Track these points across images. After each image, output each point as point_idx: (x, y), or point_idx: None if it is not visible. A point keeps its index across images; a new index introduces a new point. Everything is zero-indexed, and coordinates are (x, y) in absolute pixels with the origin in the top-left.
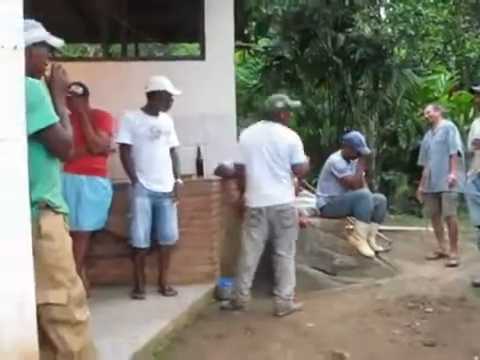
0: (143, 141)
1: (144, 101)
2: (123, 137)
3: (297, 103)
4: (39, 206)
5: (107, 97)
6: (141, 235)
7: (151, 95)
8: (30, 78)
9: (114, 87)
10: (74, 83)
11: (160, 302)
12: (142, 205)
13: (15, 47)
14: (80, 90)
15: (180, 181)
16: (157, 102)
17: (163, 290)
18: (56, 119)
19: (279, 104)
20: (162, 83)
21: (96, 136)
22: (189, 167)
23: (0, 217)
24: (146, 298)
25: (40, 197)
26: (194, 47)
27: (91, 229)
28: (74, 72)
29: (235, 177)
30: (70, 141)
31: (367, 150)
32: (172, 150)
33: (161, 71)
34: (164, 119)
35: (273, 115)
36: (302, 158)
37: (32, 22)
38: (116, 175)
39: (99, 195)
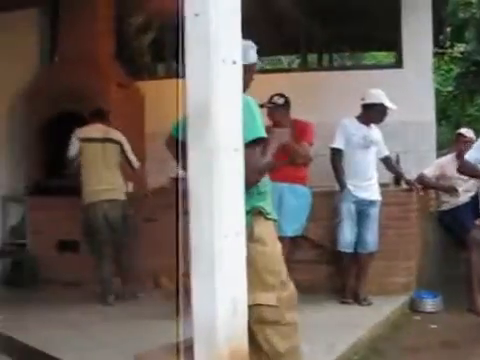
0: (355, 149)
1: (339, 110)
2: (338, 142)
3: None
4: (253, 212)
5: (306, 107)
6: (347, 239)
7: (368, 107)
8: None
9: (312, 97)
10: (276, 94)
11: (355, 311)
12: (348, 211)
13: (234, 62)
14: (281, 101)
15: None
16: (373, 114)
17: (358, 299)
18: (258, 136)
19: None
20: (379, 96)
21: (298, 147)
22: (387, 176)
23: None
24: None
25: (254, 205)
26: (381, 55)
27: (292, 235)
28: (273, 83)
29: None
30: (258, 169)
31: None
32: (386, 159)
33: (358, 80)
34: (374, 129)
35: None
36: None
37: (251, 43)
38: (315, 183)
39: (299, 202)
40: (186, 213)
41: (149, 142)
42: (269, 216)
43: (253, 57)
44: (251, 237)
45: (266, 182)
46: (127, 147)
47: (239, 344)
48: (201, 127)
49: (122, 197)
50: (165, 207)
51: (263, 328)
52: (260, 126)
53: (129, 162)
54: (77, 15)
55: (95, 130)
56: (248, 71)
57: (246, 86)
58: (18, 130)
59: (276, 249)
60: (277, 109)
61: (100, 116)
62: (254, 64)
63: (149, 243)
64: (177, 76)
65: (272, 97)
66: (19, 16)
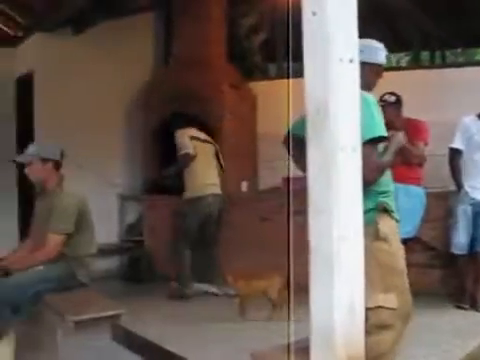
0: (476, 149)
1: (452, 108)
2: (458, 142)
3: None
4: (377, 209)
5: (419, 106)
6: (462, 241)
7: None
8: (364, 92)
9: (424, 95)
10: (387, 93)
11: (472, 317)
12: (464, 212)
13: (351, 61)
14: (392, 99)
15: None
16: None
17: (476, 305)
18: (376, 135)
19: None
20: None
21: (412, 147)
22: None
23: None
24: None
25: (378, 201)
26: None
27: (405, 236)
28: (384, 82)
29: None
30: (377, 168)
31: None
32: None
33: (471, 76)
34: None
35: None
36: None
37: (380, 44)
38: (430, 184)
39: (413, 203)
40: (299, 213)
41: (261, 142)
42: (394, 214)
43: (382, 58)
44: (376, 235)
45: (387, 181)
46: (219, 151)
47: (357, 348)
48: (320, 126)
49: (220, 193)
50: (279, 207)
51: (379, 331)
52: (379, 124)
53: (220, 165)
54: (190, 18)
55: (196, 131)
56: (375, 71)
57: (372, 86)
58: (135, 131)
59: (400, 249)
60: (388, 107)
61: (193, 121)
62: (381, 65)
63: (264, 242)
64: (288, 76)
65: (383, 96)
66: (135, 21)
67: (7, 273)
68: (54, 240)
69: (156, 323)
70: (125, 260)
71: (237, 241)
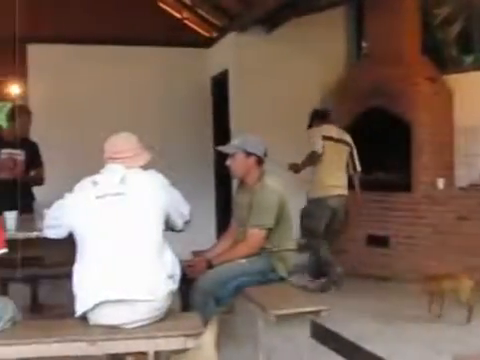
0: None
1: None
2: None
3: None
4: None
5: None
6: None
7: None
8: None
9: None
10: None
11: None
12: None
13: None
14: None
15: None
16: None
17: None
18: None
19: None
20: None
21: None
22: None
23: None
24: None
25: None
26: None
27: None
28: None
29: None
30: None
31: None
32: None
33: None
34: None
35: None
36: None
37: None
38: None
39: None
40: None
41: (458, 137)
42: None
43: None
44: None
45: None
46: (355, 151)
47: None
48: None
49: (346, 193)
50: (478, 205)
51: None
52: None
53: (354, 164)
54: (382, 10)
55: (332, 130)
56: None
57: None
58: None
59: None
60: None
61: (328, 117)
62: None
63: (460, 242)
64: None
65: None
66: (326, 16)
67: (210, 266)
68: (256, 235)
69: (350, 320)
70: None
71: (433, 240)
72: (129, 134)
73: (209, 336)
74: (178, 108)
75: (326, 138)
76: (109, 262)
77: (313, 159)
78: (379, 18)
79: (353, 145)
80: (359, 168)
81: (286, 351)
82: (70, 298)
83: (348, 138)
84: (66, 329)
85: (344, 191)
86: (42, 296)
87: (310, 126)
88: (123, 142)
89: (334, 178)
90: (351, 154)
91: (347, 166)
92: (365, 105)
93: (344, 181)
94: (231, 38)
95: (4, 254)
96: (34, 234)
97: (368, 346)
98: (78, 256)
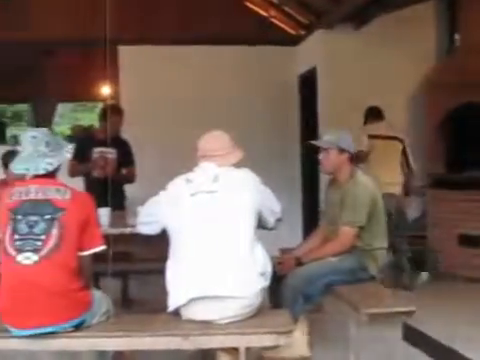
0: None
1: None
2: None
3: None
4: None
5: None
6: None
7: None
8: None
9: None
10: None
11: None
12: None
13: None
14: None
15: None
16: None
17: None
18: None
19: None
20: None
21: None
22: None
23: None
24: None
25: None
26: None
27: None
28: None
29: None
30: None
31: None
32: None
33: None
34: None
35: None
36: None
37: None
38: None
39: None
40: None
41: None
42: None
43: None
44: None
45: None
46: (409, 149)
47: None
48: None
49: (398, 192)
50: None
51: None
52: None
53: (407, 162)
54: (477, 1)
55: (380, 128)
56: None
57: None
58: (418, 124)
59: None
60: None
61: (380, 115)
62: None
63: None
64: None
65: None
66: (415, 11)
67: (299, 263)
68: (347, 232)
69: (443, 323)
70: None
71: None
72: (222, 132)
73: (300, 334)
74: (265, 106)
75: (373, 137)
76: (202, 258)
77: (359, 158)
78: (473, 9)
79: (406, 142)
80: (413, 166)
81: (376, 352)
82: (160, 293)
83: (401, 135)
84: (159, 323)
85: (395, 190)
86: (131, 291)
87: (365, 123)
88: (216, 140)
89: (382, 177)
90: (404, 151)
91: (402, 165)
92: (458, 100)
93: (395, 179)
94: (319, 35)
95: (102, 250)
96: (127, 230)
97: (462, 350)
98: (171, 252)
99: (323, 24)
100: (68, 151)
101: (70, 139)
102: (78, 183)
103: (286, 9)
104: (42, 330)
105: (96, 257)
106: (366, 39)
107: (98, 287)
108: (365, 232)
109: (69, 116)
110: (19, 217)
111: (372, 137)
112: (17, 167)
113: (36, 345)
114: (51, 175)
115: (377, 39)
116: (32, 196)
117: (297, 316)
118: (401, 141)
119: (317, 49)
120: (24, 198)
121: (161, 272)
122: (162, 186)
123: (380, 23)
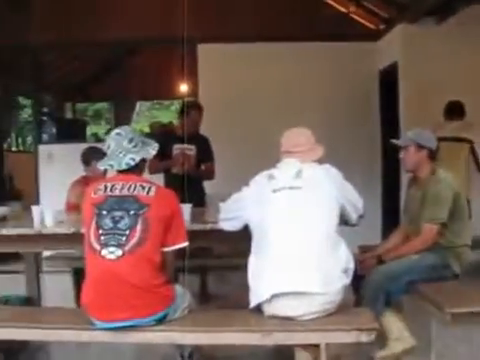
0: None
1: None
2: None
3: None
4: None
5: None
6: None
7: None
8: None
9: None
10: None
11: None
12: None
13: None
14: None
15: None
16: None
17: None
18: None
19: None
20: None
21: None
22: None
23: None
24: None
25: None
26: None
27: None
28: None
29: None
30: None
31: None
32: None
33: None
34: None
35: None
36: None
37: None
38: None
39: None
40: None
41: None
42: None
43: None
44: None
45: None
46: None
47: None
48: None
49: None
50: None
51: None
52: None
53: (477, 162)
54: None
55: (446, 129)
56: None
57: None
58: None
59: None
60: None
61: (457, 112)
62: None
63: None
64: None
65: None
66: None
67: (381, 261)
68: (429, 229)
69: None
70: None
71: None
72: (304, 129)
73: (402, 326)
74: (345, 102)
75: (438, 139)
76: (285, 254)
77: None
78: None
79: (475, 141)
80: None
81: (460, 353)
82: (239, 289)
83: (470, 135)
84: (241, 319)
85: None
86: (210, 286)
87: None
88: (298, 136)
89: None
90: (473, 152)
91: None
92: None
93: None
94: (400, 30)
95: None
96: (208, 226)
97: None
98: (253, 248)
99: (405, 18)
100: (154, 149)
101: (149, 136)
102: (158, 179)
103: (365, 4)
104: (124, 323)
105: (176, 253)
106: (448, 34)
107: (178, 282)
108: (447, 229)
109: (146, 114)
110: (104, 212)
111: (438, 139)
112: (102, 163)
113: (118, 338)
114: (136, 171)
115: (459, 34)
116: (117, 192)
117: (378, 314)
118: (469, 142)
119: (398, 44)
120: (109, 193)
121: (238, 268)
122: (241, 183)
123: (462, 17)
